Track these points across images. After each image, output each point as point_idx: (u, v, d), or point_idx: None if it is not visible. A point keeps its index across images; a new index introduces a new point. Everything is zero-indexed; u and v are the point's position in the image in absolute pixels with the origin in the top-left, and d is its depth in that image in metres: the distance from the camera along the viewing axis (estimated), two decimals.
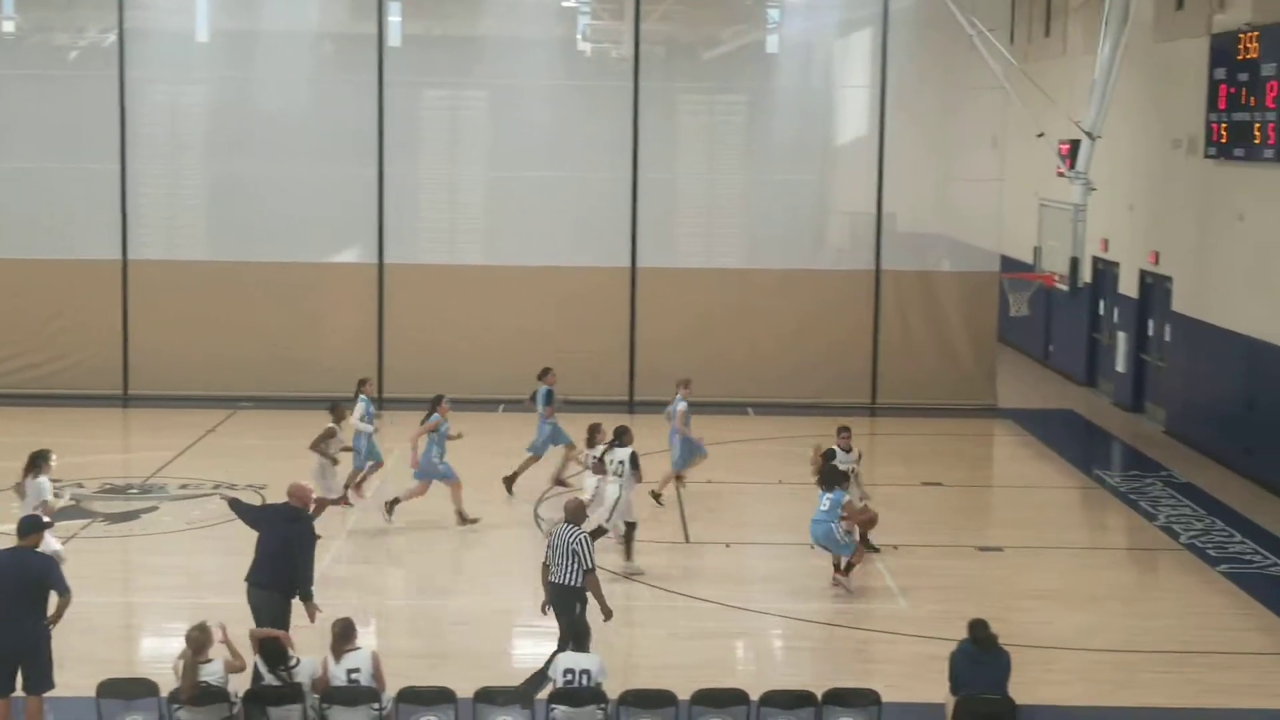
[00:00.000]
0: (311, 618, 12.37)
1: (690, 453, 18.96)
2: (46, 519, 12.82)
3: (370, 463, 18.55)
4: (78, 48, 25.42)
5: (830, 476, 15.73)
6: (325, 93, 24.95)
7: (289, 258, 24.80)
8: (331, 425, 17.37)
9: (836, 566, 15.86)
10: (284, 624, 12.10)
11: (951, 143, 25.17)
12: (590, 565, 12.67)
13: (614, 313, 25.00)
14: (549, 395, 19.13)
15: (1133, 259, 25.29)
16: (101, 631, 14.36)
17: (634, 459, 16.24)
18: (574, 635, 11.43)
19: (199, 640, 10.92)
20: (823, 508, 15.61)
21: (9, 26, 25.41)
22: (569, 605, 12.67)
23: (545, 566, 12.97)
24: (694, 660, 13.52)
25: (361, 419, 18.33)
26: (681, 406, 18.79)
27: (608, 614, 12.85)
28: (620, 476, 16.15)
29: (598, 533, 15.55)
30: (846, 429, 17.18)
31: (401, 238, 24.99)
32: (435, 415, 17.54)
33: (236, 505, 13.24)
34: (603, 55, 26.00)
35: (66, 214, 24.76)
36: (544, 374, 19.38)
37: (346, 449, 17.88)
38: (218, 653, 11.03)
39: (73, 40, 25.51)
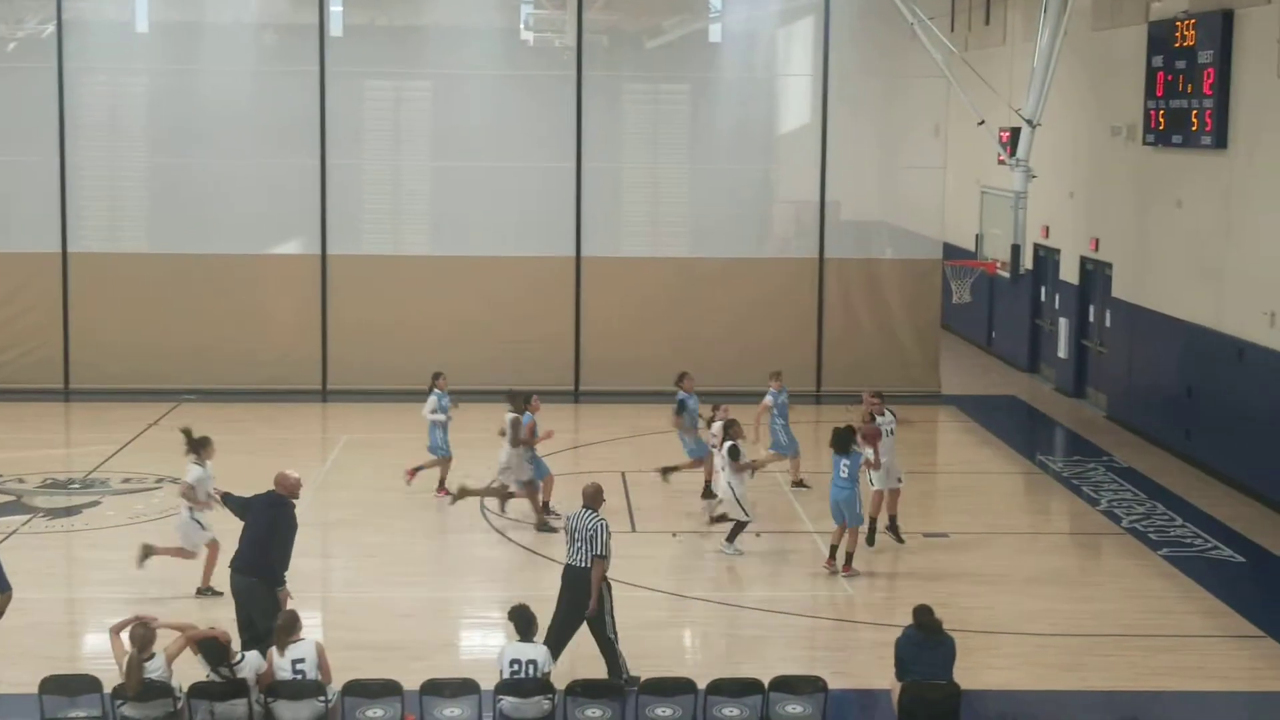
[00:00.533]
0: (282, 603, 12.32)
1: (785, 445, 18.94)
2: None
3: (442, 456, 18.60)
4: (15, 39, 25.05)
5: (843, 440, 15.73)
6: (267, 84, 24.73)
7: (231, 249, 24.60)
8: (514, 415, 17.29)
9: (833, 553, 15.78)
10: (271, 611, 12.00)
11: (894, 131, 25.29)
12: (601, 552, 12.55)
13: (559, 302, 24.97)
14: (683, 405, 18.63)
15: (1073, 246, 25.53)
16: (44, 627, 14.23)
17: (733, 450, 16.34)
18: (521, 624, 11.38)
19: (143, 638, 10.84)
20: (841, 474, 15.67)
21: None
22: (583, 588, 12.54)
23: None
24: (641, 650, 13.51)
25: (434, 411, 18.45)
26: (767, 400, 18.81)
27: (594, 609, 12.48)
28: (723, 470, 16.49)
29: (738, 527, 16.33)
30: (879, 394, 17.17)
31: (344, 229, 24.84)
32: (528, 416, 17.29)
33: (228, 499, 13.31)
34: (546, 45, 25.94)
35: (5, 207, 24.48)
36: (681, 379, 18.93)
37: None
38: (162, 643, 10.97)
39: (10, 32, 25.14)
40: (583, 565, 12.58)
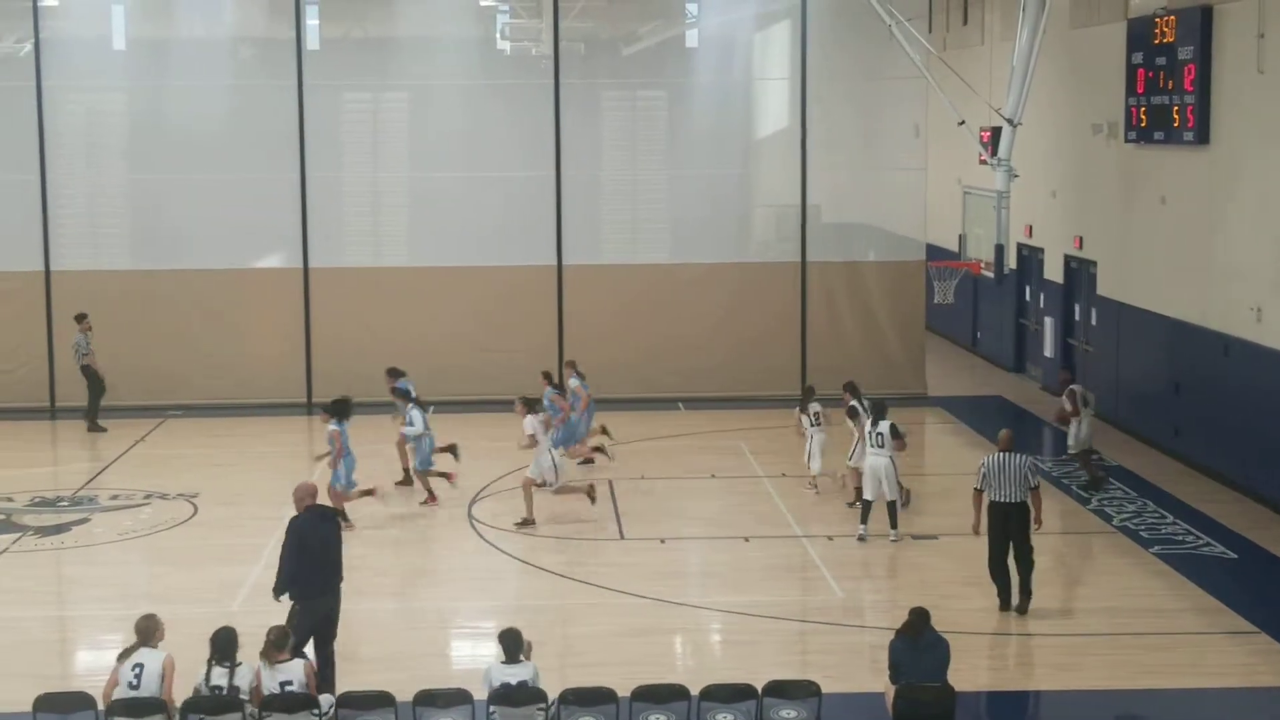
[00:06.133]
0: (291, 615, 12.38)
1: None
2: None
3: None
4: None
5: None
6: (245, 98, 24.65)
7: (213, 264, 24.51)
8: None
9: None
10: (336, 622, 12.36)
11: (873, 133, 25.27)
12: (977, 484, 14.60)
13: (541, 311, 24.91)
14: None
15: (1057, 244, 25.55)
16: (36, 645, 14.16)
17: (894, 430, 16.95)
18: (509, 646, 11.23)
19: (146, 629, 10.87)
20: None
21: None
22: (1024, 522, 14.49)
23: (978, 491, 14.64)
24: (633, 657, 13.48)
25: (410, 425, 18.66)
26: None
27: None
28: (882, 448, 16.85)
29: (894, 505, 17.00)
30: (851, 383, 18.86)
31: (325, 242, 24.76)
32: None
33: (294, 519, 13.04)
34: (522, 54, 25.90)
35: None
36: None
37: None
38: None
39: None
40: (1016, 501, 14.48)
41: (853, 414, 18.43)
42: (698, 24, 25.68)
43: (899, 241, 25.40)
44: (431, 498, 18.59)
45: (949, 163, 27.60)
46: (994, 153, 21.30)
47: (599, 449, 20.37)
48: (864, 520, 17.11)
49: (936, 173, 26.22)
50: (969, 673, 12.63)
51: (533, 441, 17.67)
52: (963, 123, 21.64)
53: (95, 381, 22.91)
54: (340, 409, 17.78)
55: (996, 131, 21.46)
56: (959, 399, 25.31)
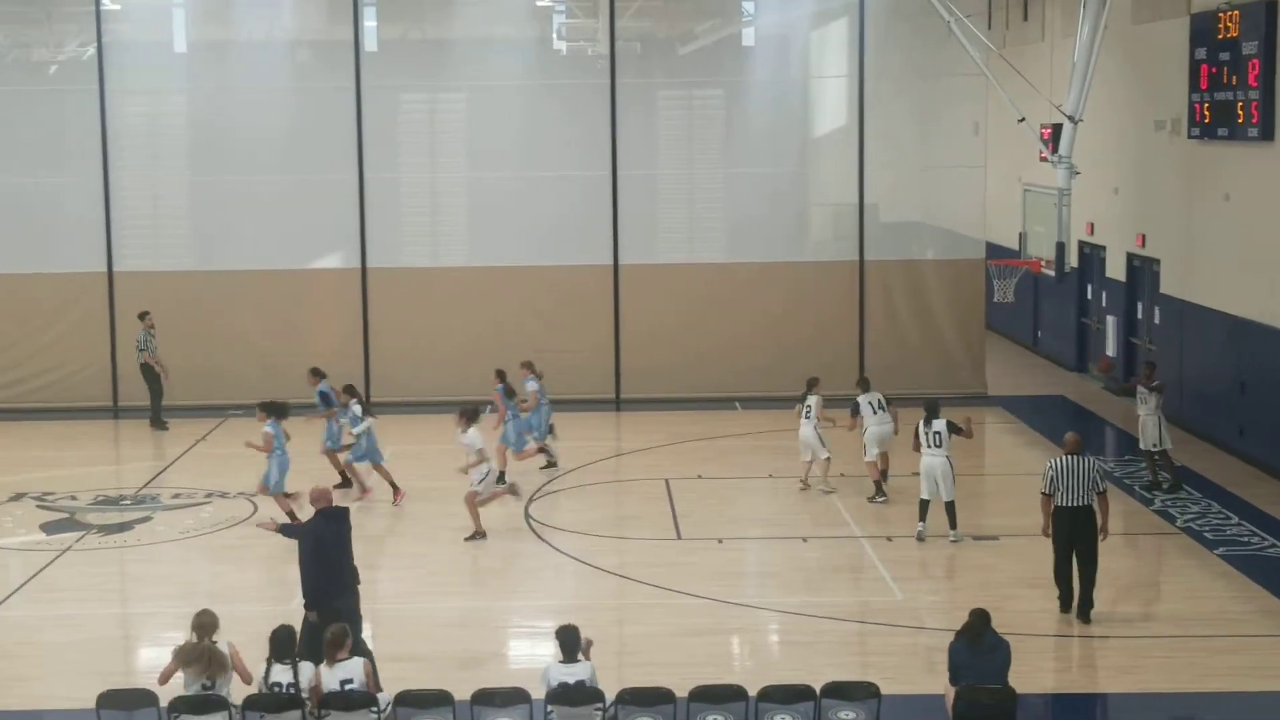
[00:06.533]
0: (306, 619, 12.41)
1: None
2: None
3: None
4: (57, 62, 25.28)
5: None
6: (304, 99, 24.82)
7: (272, 265, 24.69)
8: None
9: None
10: (358, 620, 12.35)
11: (932, 131, 25.08)
12: (1043, 489, 14.44)
13: (598, 311, 24.91)
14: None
15: (1119, 242, 25.26)
16: (99, 643, 14.31)
17: (952, 426, 16.98)
18: (566, 645, 11.21)
19: (209, 624, 10.95)
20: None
21: None
22: (1091, 527, 14.38)
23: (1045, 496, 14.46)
24: (690, 657, 13.44)
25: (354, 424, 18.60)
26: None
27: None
28: (939, 447, 16.82)
29: (952, 505, 16.90)
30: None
31: (383, 242, 24.89)
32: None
33: (288, 530, 13.50)
34: (579, 54, 25.92)
35: (51, 227, 24.61)
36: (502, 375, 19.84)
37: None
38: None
39: (52, 55, 25.38)
40: (1085, 504, 14.37)
41: (854, 409, 18.78)
42: (754, 22, 25.61)
43: (958, 240, 25.20)
44: (365, 490, 18.71)
45: (1009, 160, 27.35)
46: (1055, 150, 21.10)
47: (543, 449, 20.15)
48: (922, 518, 17.02)
49: (996, 170, 25.99)
50: (1030, 675, 12.51)
51: (481, 457, 17.32)
52: (1023, 120, 21.45)
53: (153, 380, 23.14)
54: (276, 409, 17.69)
55: (1057, 128, 21.25)
56: (1020, 398, 25.07)
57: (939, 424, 16.92)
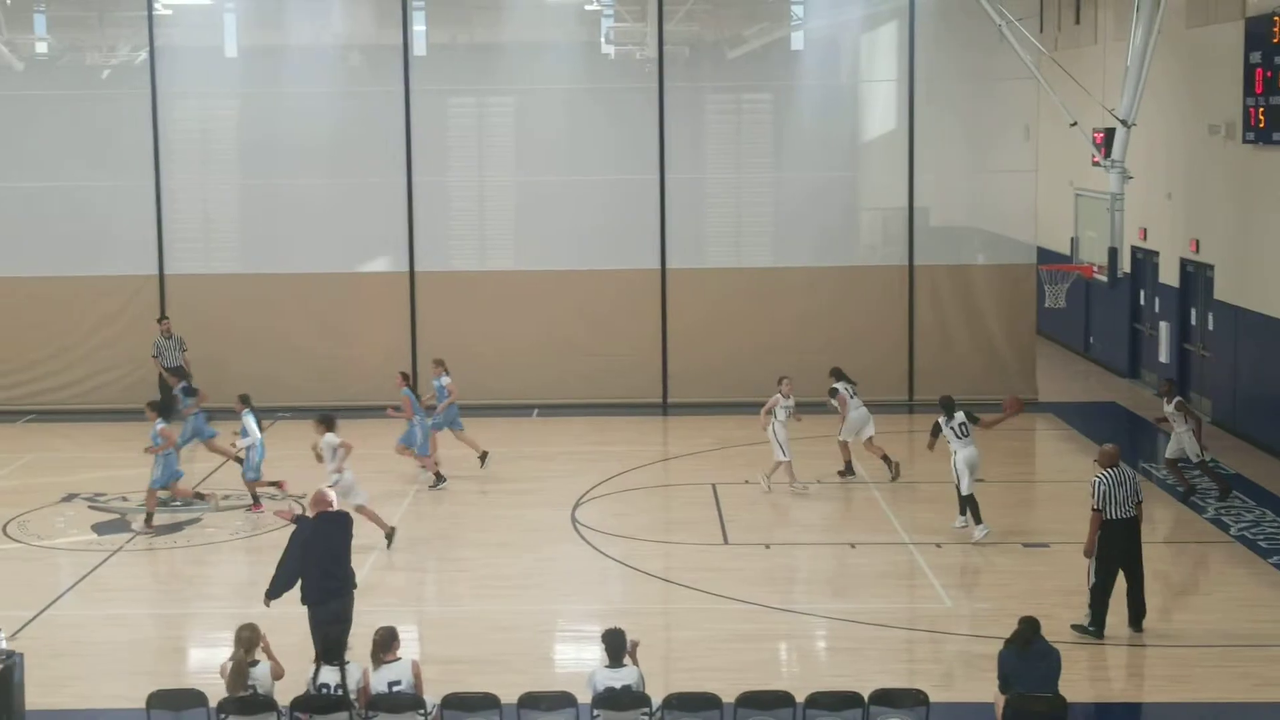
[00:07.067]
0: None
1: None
2: None
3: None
4: (110, 67, 25.51)
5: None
6: (353, 104, 24.94)
7: (321, 269, 24.82)
8: None
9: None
10: (348, 624, 12.40)
11: (983, 134, 24.93)
12: (1095, 504, 14.00)
13: (645, 315, 24.88)
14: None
15: (1172, 247, 24.99)
16: (149, 643, 14.43)
17: (971, 416, 17.38)
18: (612, 649, 11.17)
19: (249, 639, 10.95)
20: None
21: (42, 48, 25.56)
22: (1138, 537, 14.14)
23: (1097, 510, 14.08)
24: (737, 663, 13.39)
25: (246, 435, 18.93)
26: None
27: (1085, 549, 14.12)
28: (968, 436, 17.16)
29: (968, 501, 17.16)
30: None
31: (431, 246, 24.96)
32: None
33: (300, 522, 13.49)
34: (627, 58, 25.92)
35: (104, 231, 24.82)
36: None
37: None
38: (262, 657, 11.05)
39: (104, 59, 25.63)
40: (1130, 516, 14.09)
41: (832, 393, 19.61)
42: (804, 26, 25.51)
43: (1009, 244, 25.02)
44: (256, 504, 18.67)
45: (1060, 164, 27.13)
46: (1107, 154, 20.88)
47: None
48: (979, 518, 16.97)
49: (1047, 174, 25.79)
50: (1080, 683, 12.39)
51: (340, 463, 17.14)
52: (1075, 124, 21.26)
53: (163, 385, 23.23)
54: (164, 408, 18.21)
55: (1110, 132, 21.02)
56: (1071, 405, 24.84)
57: (959, 415, 17.20)
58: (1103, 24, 27.46)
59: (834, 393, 19.73)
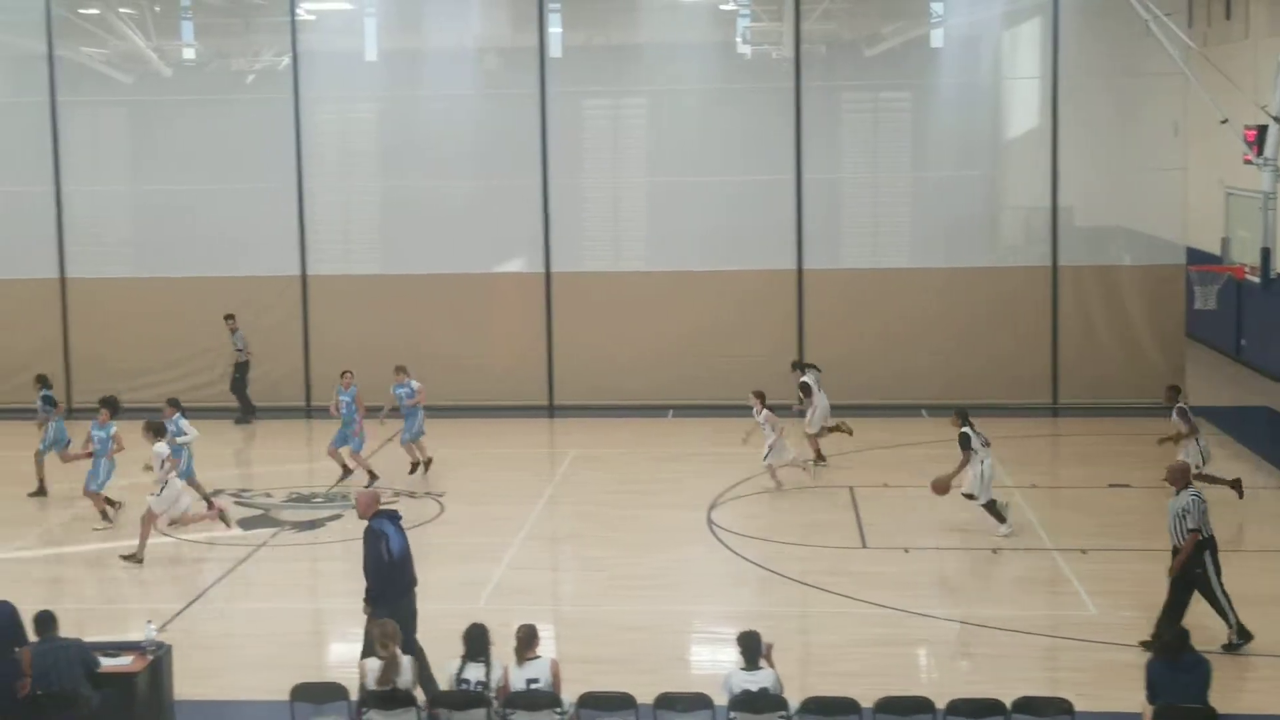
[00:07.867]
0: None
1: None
2: None
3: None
4: (254, 71, 26.08)
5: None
6: (490, 105, 25.18)
7: (458, 269, 25.06)
8: None
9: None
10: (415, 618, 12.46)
11: (1129, 132, 24.34)
12: (1195, 525, 13.44)
13: (780, 316, 24.71)
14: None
15: None
16: (291, 636, 14.67)
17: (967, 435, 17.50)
18: (747, 652, 11.05)
19: (393, 634, 11.04)
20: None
21: (189, 54, 26.21)
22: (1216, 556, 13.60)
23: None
24: (875, 667, 13.21)
25: (180, 435, 18.44)
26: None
27: (1172, 569, 13.53)
28: (987, 446, 17.37)
29: (991, 506, 17.29)
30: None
31: (567, 246, 25.07)
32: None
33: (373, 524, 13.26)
34: (763, 57, 25.78)
35: (251, 232, 25.33)
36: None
37: None
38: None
39: (249, 64, 26.20)
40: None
41: (804, 388, 20.22)
42: (943, 23, 25.16)
43: (1157, 245, 24.42)
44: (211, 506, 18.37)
45: (1210, 162, 26.36)
46: (1260, 152, 20.26)
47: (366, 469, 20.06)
48: (1004, 519, 17.19)
49: (1197, 173, 25.11)
50: (1230, 695, 12.01)
51: (170, 470, 16.95)
52: (1226, 121, 20.65)
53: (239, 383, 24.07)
54: (110, 406, 18.13)
55: (1262, 130, 20.38)
56: (1223, 409, 24.11)
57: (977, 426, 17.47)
58: (1254, 18, 26.65)
59: (806, 388, 20.18)
